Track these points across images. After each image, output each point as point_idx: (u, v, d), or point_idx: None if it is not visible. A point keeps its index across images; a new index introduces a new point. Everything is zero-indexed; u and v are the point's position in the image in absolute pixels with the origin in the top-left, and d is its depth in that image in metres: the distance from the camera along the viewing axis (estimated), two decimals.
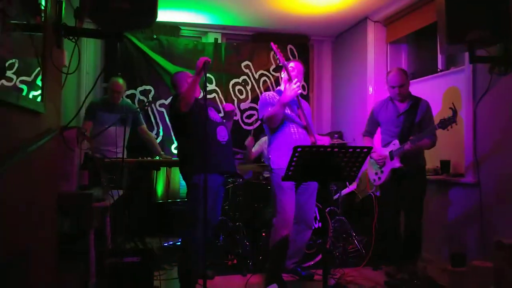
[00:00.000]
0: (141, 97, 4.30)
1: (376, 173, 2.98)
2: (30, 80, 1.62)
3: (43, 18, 1.67)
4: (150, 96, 4.32)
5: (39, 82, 1.66)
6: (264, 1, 3.87)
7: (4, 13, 1.24)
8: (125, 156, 3.29)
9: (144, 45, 4.32)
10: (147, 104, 4.11)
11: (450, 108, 2.54)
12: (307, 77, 4.81)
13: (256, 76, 4.72)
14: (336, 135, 4.28)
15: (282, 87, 2.80)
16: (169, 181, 4.43)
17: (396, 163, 2.80)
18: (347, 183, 3.92)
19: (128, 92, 4.15)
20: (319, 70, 5.17)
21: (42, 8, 1.66)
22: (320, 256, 3.09)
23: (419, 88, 3.58)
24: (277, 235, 2.63)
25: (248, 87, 4.68)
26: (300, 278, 2.88)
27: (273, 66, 4.75)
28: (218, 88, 4.57)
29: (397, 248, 2.93)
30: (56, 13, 1.79)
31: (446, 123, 2.54)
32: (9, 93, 1.35)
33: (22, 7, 1.49)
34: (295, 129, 2.71)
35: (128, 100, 3.95)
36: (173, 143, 4.29)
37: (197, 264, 2.46)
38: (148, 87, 4.35)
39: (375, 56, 4.23)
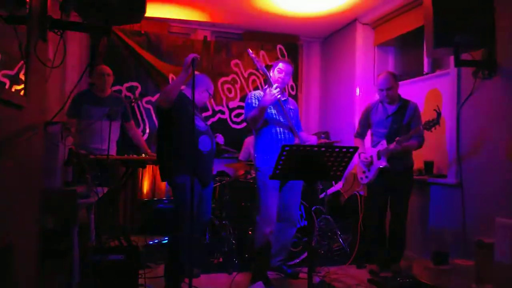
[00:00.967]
0: (128, 94, 4.25)
1: (364, 172, 3.04)
2: (13, 73, 1.58)
3: (27, 9, 1.63)
4: (137, 92, 4.26)
5: (22, 76, 1.62)
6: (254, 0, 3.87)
7: None
8: (115, 154, 3.21)
9: (131, 41, 4.26)
10: (133, 100, 3.99)
11: (435, 110, 2.61)
12: (296, 77, 4.83)
13: (245, 75, 4.71)
14: (322, 135, 4.32)
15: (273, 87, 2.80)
16: (155, 179, 4.40)
17: (383, 162, 2.87)
18: (333, 182, 3.97)
19: (115, 88, 4.08)
20: (307, 70, 5.19)
21: None
22: (305, 254, 3.12)
23: (404, 90, 3.64)
24: (260, 232, 2.68)
25: (237, 86, 4.68)
26: (286, 276, 2.91)
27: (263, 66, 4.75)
28: None
29: (382, 246, 3.00)
30: (41, 5, 1.75)
31: (430, 125, 2.62)
32: None
33: None
34: (280, 129, 2.75)
35: (118, 94, 3.79)
36: None
37: (184, 262, 2.44)
38: (135, 84, 4.30)
39: (363, 58, 4.28)
